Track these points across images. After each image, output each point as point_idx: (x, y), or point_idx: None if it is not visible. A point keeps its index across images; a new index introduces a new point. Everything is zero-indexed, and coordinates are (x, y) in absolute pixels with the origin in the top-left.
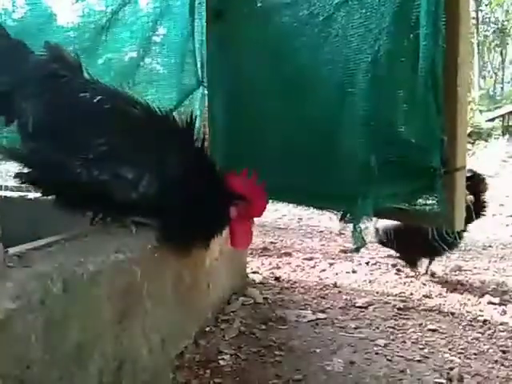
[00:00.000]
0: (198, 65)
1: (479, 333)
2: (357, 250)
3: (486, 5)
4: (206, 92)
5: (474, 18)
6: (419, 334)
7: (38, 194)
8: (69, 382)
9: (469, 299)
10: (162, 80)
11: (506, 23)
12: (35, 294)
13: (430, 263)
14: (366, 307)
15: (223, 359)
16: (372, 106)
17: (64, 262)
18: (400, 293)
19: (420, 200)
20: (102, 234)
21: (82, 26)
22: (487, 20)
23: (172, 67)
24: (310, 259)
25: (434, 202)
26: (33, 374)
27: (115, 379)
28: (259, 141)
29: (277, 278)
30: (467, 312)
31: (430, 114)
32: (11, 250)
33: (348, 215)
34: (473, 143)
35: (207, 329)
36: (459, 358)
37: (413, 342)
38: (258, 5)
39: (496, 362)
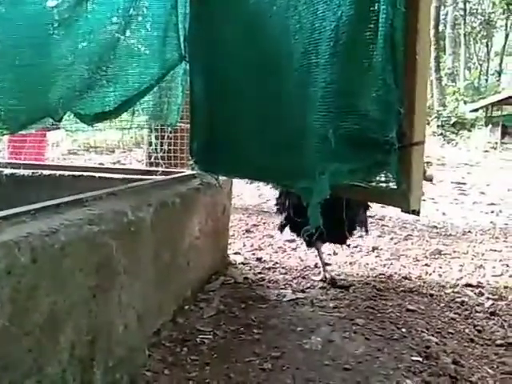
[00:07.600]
0: (181, 39)
1: (456, 313)
2: (313, 229)
3: None
4: (188, 67)
5: (462, 9)
6: (398, 314)
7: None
8: (39, 353)
9: (447, 282)
10: (143, 54)
11: (492, 15)
12: (0, 263)
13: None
14: (346, 287)
15: (201, 337)
16: (331, 76)
17: (33, 232)
18: (380, 274)
19: (377, 177)
20: (76, 205)
21: None
22: (474, 11)
23: (154, 41)
24: (292, 241)
25: (390, 178)
26: None
27: (88, 353)
28: (238, 116)
29: (258, 259)
30: (445, 294)
31: (387, 84)
32: None
33: (308, 193)
34: (456, 133)
35: (186, 307)
36: (436, 337)
37: (391, 322)
38: None
39: (471, 340)
